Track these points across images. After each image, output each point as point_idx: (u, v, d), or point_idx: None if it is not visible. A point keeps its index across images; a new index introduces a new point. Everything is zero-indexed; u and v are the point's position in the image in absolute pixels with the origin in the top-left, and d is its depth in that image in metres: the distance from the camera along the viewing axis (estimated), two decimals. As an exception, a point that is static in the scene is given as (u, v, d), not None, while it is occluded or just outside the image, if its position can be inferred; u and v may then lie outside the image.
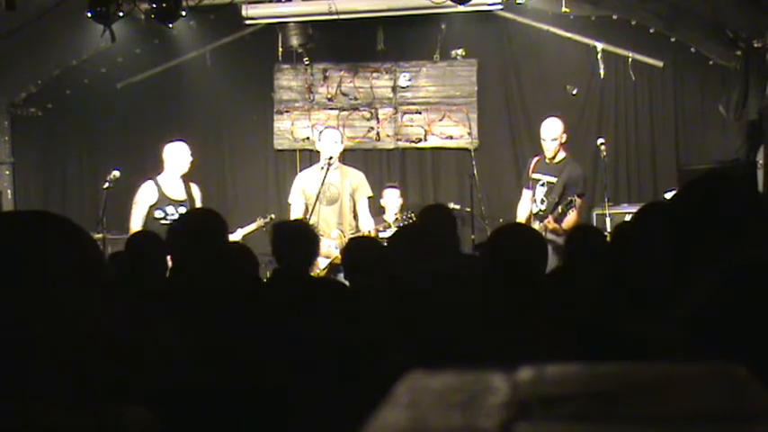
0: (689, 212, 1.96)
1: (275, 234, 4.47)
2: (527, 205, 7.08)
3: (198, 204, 6.84)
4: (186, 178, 6.94)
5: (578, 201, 6.70)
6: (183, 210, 6.67)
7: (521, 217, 7.05)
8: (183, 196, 6.82)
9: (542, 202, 6.94)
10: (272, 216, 7.51)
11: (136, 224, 6.69)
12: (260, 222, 7.44)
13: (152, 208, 6.75)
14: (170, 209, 6.69)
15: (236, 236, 6.98)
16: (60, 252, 1.24)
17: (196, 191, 6.93)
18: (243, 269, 3.37)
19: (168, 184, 6.85)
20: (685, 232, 1.93)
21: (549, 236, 6.60)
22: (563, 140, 7.03)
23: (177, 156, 6.94)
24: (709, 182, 2.10)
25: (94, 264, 1.28)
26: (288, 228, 4.66)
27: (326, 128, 7.83)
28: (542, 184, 6.97)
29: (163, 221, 6.53)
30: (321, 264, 6.65)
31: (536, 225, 6.72)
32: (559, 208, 6.69)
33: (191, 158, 6.96)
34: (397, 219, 7.45)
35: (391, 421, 0.62)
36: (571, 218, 6.66)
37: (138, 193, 6.84)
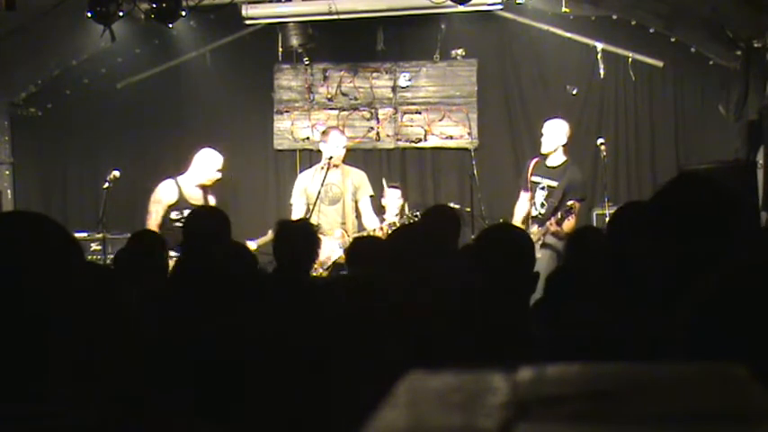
0: (667, 213, 1.96)
1: (277, 234, 4.47)
2: (525, 207, 7.05)
3: None
4: (206, 188, 6.73)
5: (576, 206, 6.70)
6: None
7: (517, 218, 7.02)
8: (200, 200, 6.57)
9: (542, 205, 6.91)
10: None
11: (155, 224, 6.41)
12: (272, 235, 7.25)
13: (170, 208, 6.50)
14: (187, 212, 6.21)
15: (251, 246, 6.84)
16: (49, 253, 1.24)
17: (212, 202, 6.66)
18: (246, 267, 3.36)
19: (188, 187, 6.64)
20: (664, 232, 1.94)
21: (550, 239, 6.60)
22: (565, 143, 7.03)
23: (207, 164, 6.73)
24: (686, 182, 2.11)
25: (74, 262, 1.28)
26: (289, 228, 4.66)
27: (333, 129, 7.64)
28: (542, 188, 6.94)
29: (177, 224, 6.17)
30: (324, 263, 6.62)
31: (535, 228, 6.70)
32: (559, 213, 6.66)
33: (219, 174, 6.76)
34: (404, 217, 7.36)
35: (391, 421, 0.62)
36: (570, 222, 6.65)
37: (158, 192, 6.61)
